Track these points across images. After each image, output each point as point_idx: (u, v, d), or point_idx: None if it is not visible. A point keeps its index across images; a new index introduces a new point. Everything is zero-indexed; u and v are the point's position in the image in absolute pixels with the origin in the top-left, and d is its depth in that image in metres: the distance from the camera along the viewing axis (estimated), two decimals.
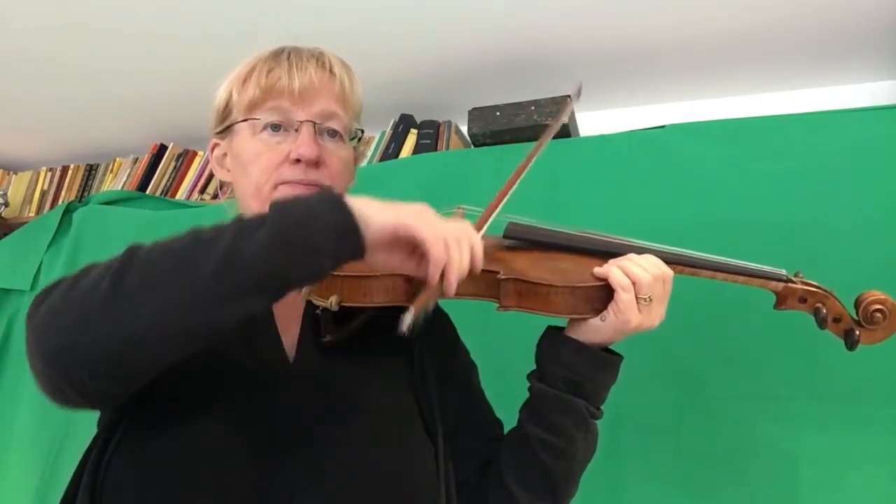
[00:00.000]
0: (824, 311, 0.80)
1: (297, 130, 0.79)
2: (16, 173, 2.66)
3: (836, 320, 0.80)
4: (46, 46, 1.79)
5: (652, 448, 1.36)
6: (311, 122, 0.79)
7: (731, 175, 1.41)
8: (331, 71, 0.83)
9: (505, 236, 0.87)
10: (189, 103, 2.04)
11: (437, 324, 0.91)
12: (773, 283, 0.82)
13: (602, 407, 0.80)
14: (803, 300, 0.81)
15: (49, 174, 2.56)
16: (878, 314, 0.78)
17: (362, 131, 0.89)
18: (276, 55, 0.83)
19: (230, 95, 0.83)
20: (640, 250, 0.79)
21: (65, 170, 2.54)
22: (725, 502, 1.31)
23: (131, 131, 2.32)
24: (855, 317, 0.80)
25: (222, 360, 0.74)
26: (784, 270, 0.83)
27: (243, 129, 0.81)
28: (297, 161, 0.78)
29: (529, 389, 0.80)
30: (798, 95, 1.81)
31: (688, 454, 1.34)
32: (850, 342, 0.79)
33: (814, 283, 0.82)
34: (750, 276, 0.82)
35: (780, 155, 1.38)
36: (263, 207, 0.79)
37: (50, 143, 2.48)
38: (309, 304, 0.80)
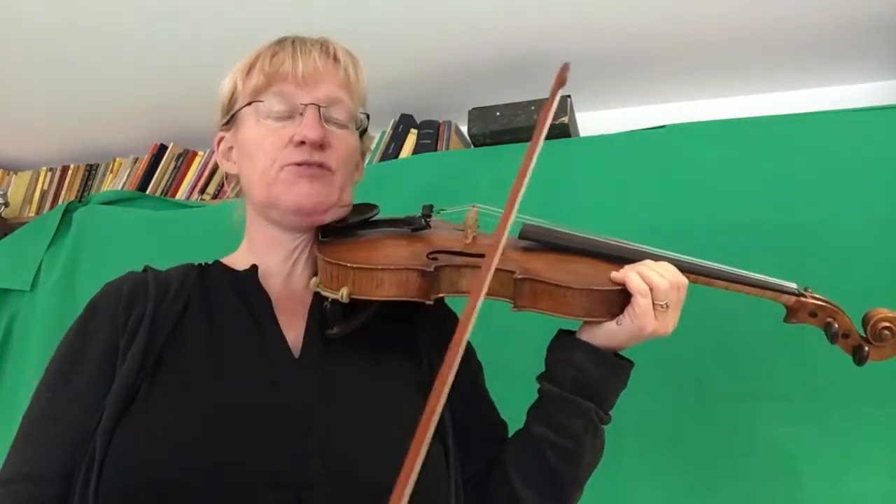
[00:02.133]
0: (835, 326, 0.80)
1: (301, 115, 0.79)
2: (16, 173, 2.66)
3: (846, 336, 0.81)
4: (47, 47, 1.79)
5: (652, 447, 1.35)
6: (316, 105, 0.79)
7: (731, 175, 1.41)
8: (335, 58, 0.83)
9: (520, 237, 0.87)
10: (189, 103, 2.04)
11: (446, 323, 0.89)
12: (785, 297, 0.82)
13: (611, 412, 0.79)
14: (813, 315, 0.81)
15: (49, 174, 2.56)
16: (887, 332, 0.78)
17: (368, 116, 0.88)
18: (280, 42, 0.83)
19: (235, 86, 0.84)
20: (656, 258, 0.79)
21: (65, 170, 2.54)
22: (725, 502, 1.31)
23: (131, 131, 2.32)
24: (863, 334, 0.80)
25: (226, 357, 0.73)
26: (795, 284, 0.83)
27: (248, 117, 0.82)
28: (302, 143, 0.78)
29: (539, 391, 0.80)
30: (798, 95, 1.81)
31: (687, 454, 1.34)
32: (859, 358, 0.80)
33: (824, 298, 0.82)
34: (762, 288, 0.82)
35: (780, 155, 1.38)
36: (269, 192, 0.79)
37: (50, 143, 2.48)
38: (316, 295, 0.79)
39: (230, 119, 0.85)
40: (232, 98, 0.85)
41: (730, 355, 1.32)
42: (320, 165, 0.79)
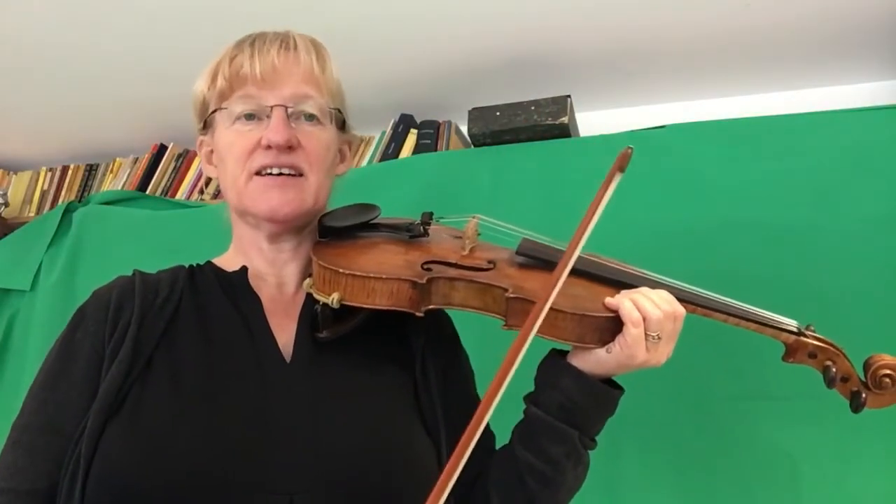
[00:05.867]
0: (834, 370, 0.77)
1: (268, 116, 0.78)
2: (16, 173, 2.66)
3: (844, 380, 0.78)
4: (46, 47, 1.79)
5: (651, 448, 1.35)
6: (282, 105, 0.77)
7: (731, 175, 1.41)
8: (295, 50, 0.81)
9: (518, 252, 0.84)
10: (189, 104, 2.03)
11: (441, 329, 0.89)
12: (785, 335, 0.79)
13: (596, 438, 0.78)
14: (813, 355, 0.79)
15: (49, 174, 2.56)
16: (887, 379, 0.76)
17: (339, 111, 0.85)
18: (240, 43, 0.82)
19: (204, 90, 0.84)
20: (655, 284, 0.77)
21: (65, 170, 2.54)
22: (725, 502, 1.31)
23: (131, 131, 2.32)
24: (863, 379, 0.78)
25: (217, 362, 0.73)
26: (795, 322, 0.80)
27: (220, 122, 0.81)
28: (270, 147, 0.77)
29: (525, 412, 0.78)
30: (798, 95, 1.81)
31: (687, 454, 1.34)
32: (856, 405, 0.77)
33: (825, 338, 0.80)
34: (762, 324, 0.79)
35: (780, 155, 1.38)
36: (241, 199, 0.79)
37: (50, 143, 2.48)
38: (308, 297, 0.79)
39: (205, 123, 0.85)
40: (203, 103, 0.84)
41: (729, 355, 1.32)
42: (291, 167, 0.78)
